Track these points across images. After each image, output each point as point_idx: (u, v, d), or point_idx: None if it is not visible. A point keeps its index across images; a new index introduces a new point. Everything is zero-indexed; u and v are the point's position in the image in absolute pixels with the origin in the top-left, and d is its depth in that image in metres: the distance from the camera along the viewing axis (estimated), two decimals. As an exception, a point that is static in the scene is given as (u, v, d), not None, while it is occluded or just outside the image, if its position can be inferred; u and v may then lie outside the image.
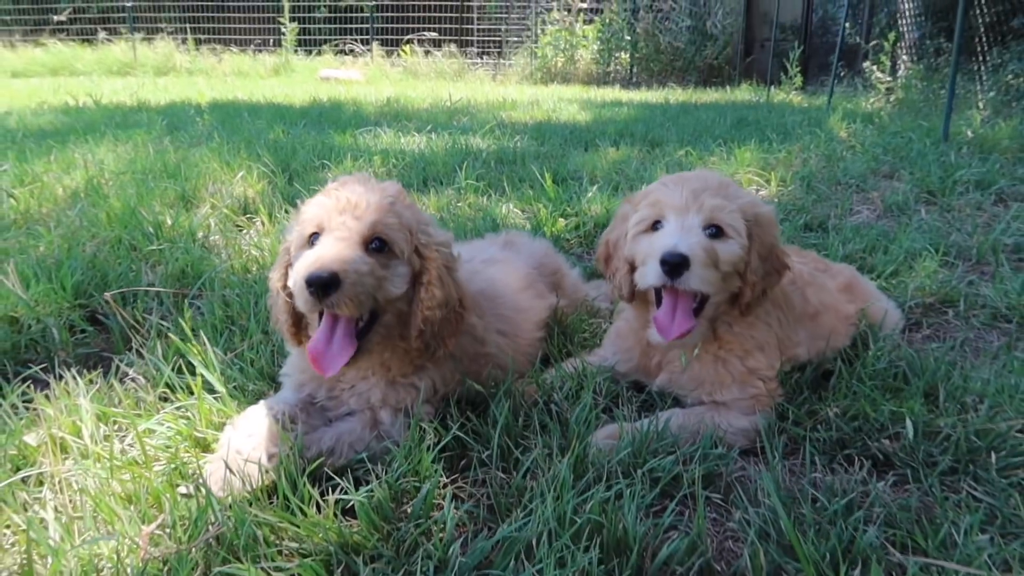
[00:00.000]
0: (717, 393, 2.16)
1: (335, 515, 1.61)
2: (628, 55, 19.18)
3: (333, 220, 1.87)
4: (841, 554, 1.54)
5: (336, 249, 1.81)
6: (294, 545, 1.54)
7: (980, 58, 10.79)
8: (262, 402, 2.02)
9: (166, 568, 1.46)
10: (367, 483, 1.72)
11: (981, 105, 9.95)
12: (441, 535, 1.54)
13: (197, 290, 3.00)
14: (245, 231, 4.12)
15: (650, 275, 2.05)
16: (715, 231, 2.08)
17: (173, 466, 1.82)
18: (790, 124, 9.03)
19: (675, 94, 15.06)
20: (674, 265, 1.96)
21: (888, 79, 13.03)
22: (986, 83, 10.62)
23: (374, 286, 1.85)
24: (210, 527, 1.53)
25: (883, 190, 5.56)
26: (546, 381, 2.27)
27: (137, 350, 2.50)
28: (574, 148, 7.12)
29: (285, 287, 1.98)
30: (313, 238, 1.91)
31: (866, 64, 13.72)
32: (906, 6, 13.15)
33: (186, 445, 1.95)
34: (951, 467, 1.92)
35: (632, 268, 2.22)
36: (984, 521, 1.71)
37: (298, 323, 2.03)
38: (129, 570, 1.42)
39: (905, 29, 13.19)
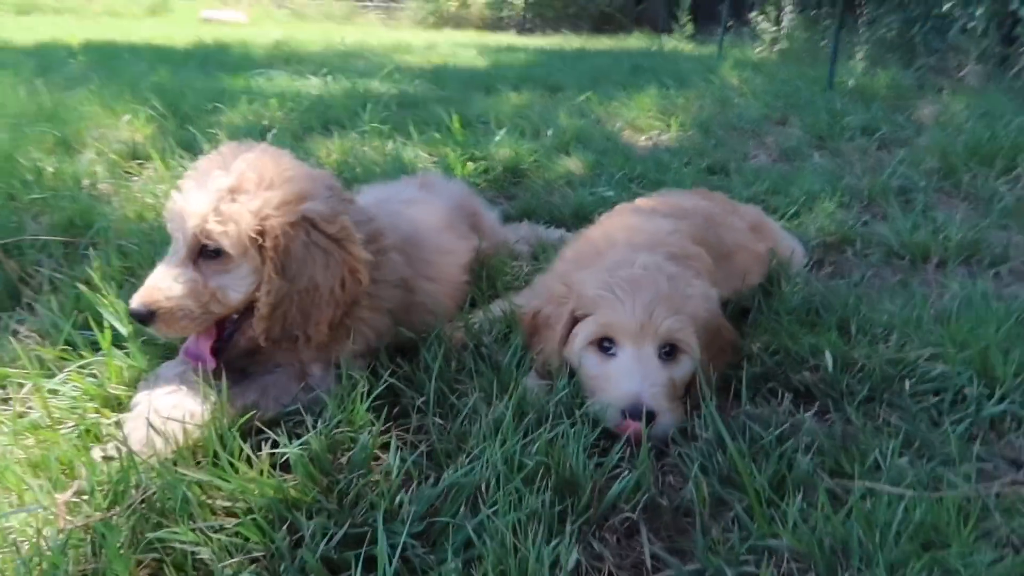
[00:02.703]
0: None
1: (270, 470, 1.53)
2: (522, 0, 18.97)
3: (172, 232, 1.84)
4: (781, 482, 1.59)
5: (154, 277, 1.80)
6: (227, 504, 1.45)
7: (858, 11, 11.25)
8: (179, 356, 1.89)
9: (89, 538, 1.35)
10: (298, 436, 1.64)
11: (860, 55, 10.41)
12: (386, 484, 1.49)
13: (90, 240, 2.77)
14: (137, 177, 3.84)
15: (609, 417, 1.82)
16: (670, 349, 1.94)
17: (84, 427, 1.69)
18: (684, 71, 9.17)
19: (570, 41, 15.03)
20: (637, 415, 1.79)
21: (774, 29, 13.43)
22: (863, 36, 11.10)
23: (206, 302, 1.78)
24: (134, 490, 1.42)
25: (776, 135, 5.75)
26: (474, 325, 2.23)
27: (29, 304, 2.29)
28: (475, 92, 7.01)
29: None
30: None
31: (753, 14, 14.08)
32: (791, -43, 13.50)
33: (95, 405, 1.81)
34: (867, 396, 2.01)
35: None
36: (901, 445, 1.80)
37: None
38: (50, 543, 1.31)
39: (790, -20, 13.54)
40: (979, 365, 2.06)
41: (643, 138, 5.67)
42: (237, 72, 7.36)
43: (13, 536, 1.35)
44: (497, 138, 4.67)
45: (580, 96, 6.86)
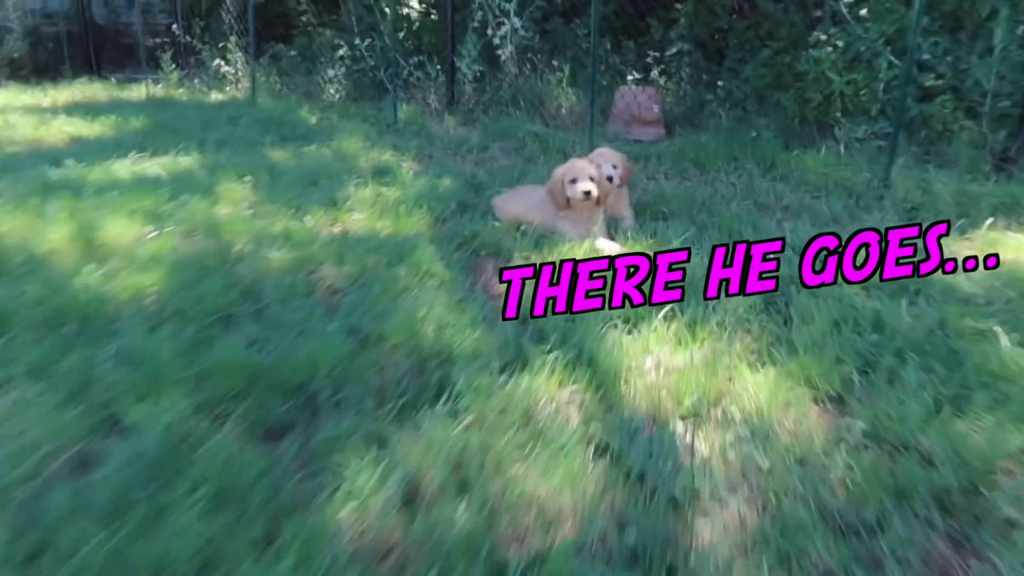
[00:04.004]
0: None
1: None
2: None
3: (580, 173, 4.19)
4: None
5: (589, 183, 4.14)
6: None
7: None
8: (595, 242, 4.08)
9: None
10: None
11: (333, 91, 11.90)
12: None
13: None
14: None
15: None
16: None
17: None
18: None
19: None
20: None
21: (232, 71, 14.09)
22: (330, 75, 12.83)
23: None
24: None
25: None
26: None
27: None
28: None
29: (563, 188, 4.18)
30: (572, 179, 4.17)
31: (206, 55, 14.45)
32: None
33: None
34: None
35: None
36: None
37: (568, 202, 4.19)
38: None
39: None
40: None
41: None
42: None
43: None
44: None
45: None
